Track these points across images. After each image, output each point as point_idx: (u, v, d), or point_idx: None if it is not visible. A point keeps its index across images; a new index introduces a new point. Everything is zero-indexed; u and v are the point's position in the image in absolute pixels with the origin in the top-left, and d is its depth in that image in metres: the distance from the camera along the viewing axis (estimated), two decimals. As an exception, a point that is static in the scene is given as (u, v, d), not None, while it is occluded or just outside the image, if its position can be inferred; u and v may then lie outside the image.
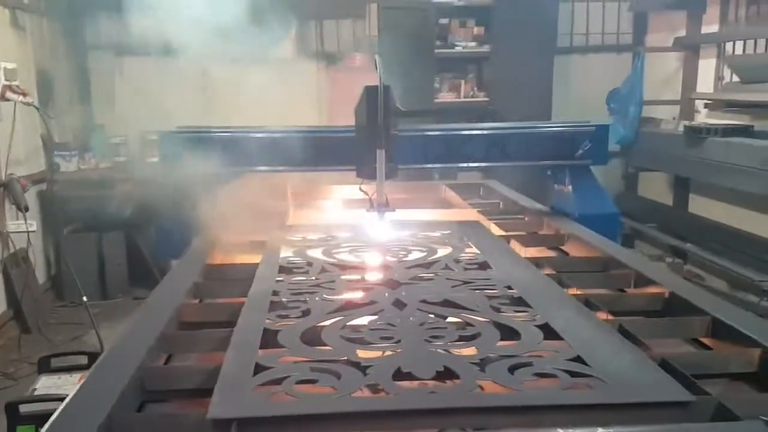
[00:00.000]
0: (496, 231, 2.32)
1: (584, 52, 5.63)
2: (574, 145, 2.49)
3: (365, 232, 2.15)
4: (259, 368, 1.09)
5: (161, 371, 1.17)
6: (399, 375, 1.09)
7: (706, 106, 4.77)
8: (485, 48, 5.08)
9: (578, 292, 1.62)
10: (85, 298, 3.39)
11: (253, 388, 1.02)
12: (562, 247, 2.26)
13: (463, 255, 1.90)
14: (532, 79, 4.96)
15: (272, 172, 2.46)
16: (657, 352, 1.26)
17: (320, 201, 3.13)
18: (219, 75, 4.78)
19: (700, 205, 4.88)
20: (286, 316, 1.35)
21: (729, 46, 4.64)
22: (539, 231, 2.49)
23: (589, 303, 1.53)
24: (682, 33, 5.09)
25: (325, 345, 1.21)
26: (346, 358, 1.13)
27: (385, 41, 4.47)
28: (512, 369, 1.11)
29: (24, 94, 3.71)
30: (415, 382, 1.09)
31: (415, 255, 1.90)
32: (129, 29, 3.86)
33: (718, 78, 4.71)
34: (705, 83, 4.85)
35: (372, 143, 1.98)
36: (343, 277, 1.67)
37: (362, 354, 1.17)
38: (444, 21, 5.10)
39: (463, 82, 5.13)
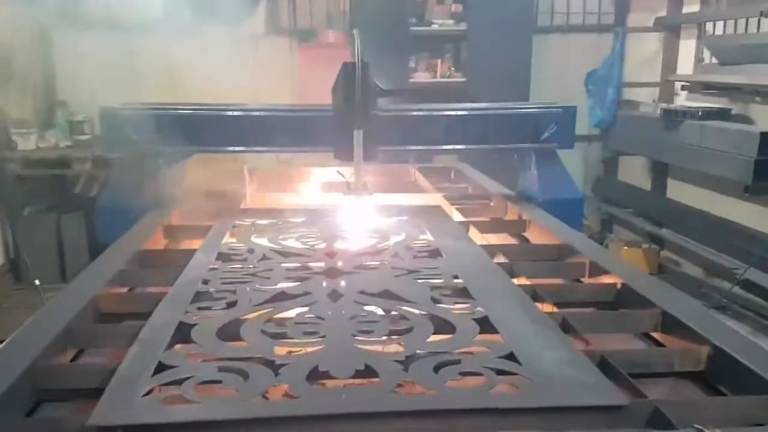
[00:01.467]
0: (458, 217, 2.24)
1: (565, 32, 5.51)
2: (539, 127, 2.41)
3: (320, 217, 2.06)
4: (162, 367, 1.00)
5: (58, 369, 1.08)
6: (317, 374, 1.01)
7: (684, 88, 4.69)
8: (462, 26, 4.95)
9: (527, 282, 1.54)
10: (37, 282, 3.28)
11: (149, 390, 0.94)
12: (524, 234, 2.19)
13: (415, 242, 1.82)
14: (511, 59, 4.85)
15: (227, 154, 2.36)
16: (598, 348, 1.19)
17: (288, 184, 3.04)
18: (187, 51, 4.66)
19: (678, 190, 4.82)
20: (209, 308, 1.26)
21: (710, 26, 4.54)
22: (504, 217, 2.41)
23: (536, 294, 1.46)
24: (664, 13, 4.99)
25: (242, 341, 1.13)
26: (260, 356, 1.05)
27: (357, 18, 4.34)
28: (438, 367, 1.03)
29: (-34, 69, 3.53)
30: (334, 383, 1.02)
31: (366, 242, 1.82)
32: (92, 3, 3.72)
33: (698, 60, 4.63)
34: (685, 65, 4.76)
35: (350, 123, 1.87)
36: (283, 265, 1.58)
37: (281, 351, 1.09)
38: (420, -3, 4.97)
39: (439, 61, 5.01)
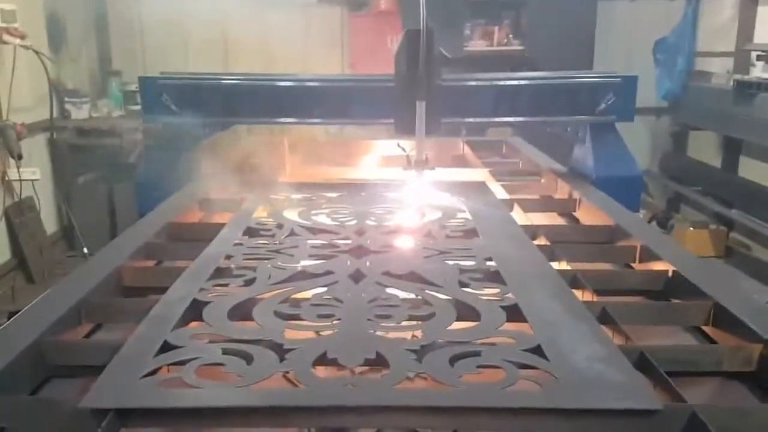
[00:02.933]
0: (502, 194, 2.13)
1: (633, -2, 5.19)
2: (596, 98, 2.25)
3: (357, 192, 2.00)
4: (166, 347, 0.97)
5: (67, 344, 1.06)
6: (325, 361, 0.96)
7: (760, 58, 4.33)
8: (522, -8, 4.73)
9: (568, 268, 1.44)
10: (86, 250, 3.37)
11: (151, 371, 0.90)
12: (574, 213, 2.07)
13: (452, 221, 1.73)
14: (573, 27, 4.60)
15: (272, 125, 2.32)
16: (639, 344, 1.09)
17: (339, 158, 2.98)
18: (239, 20, 4.65)
19: (752, 169, 4.50)
20: (225, 286, 1.23)
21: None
22: (554, 195, 2.29)
23: (576, 280, 1.36)
24: (742, -23, 4.61)
25: (254, 321, 1.08)
26: (268, 338, 1.00)
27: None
28: (455, 359, 0.96)
29: (22, 37, 3.61)
30: (344, 370, 0.96)
31: (399, 219, 1.75)
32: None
33: (779, 27, 4.26)
34: (763, 33, 4.39)
35: (412, 94, 1.80)
36: (309, 241, 1.53)
37: (292, 334, 1.04)
38: (479, -38, 4.76)
39: (497, 28, 4.80)
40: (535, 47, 4.65)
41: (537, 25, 4.67)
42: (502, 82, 2.24)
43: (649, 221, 4.97)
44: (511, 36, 4.86)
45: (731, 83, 4.08)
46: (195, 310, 1.11)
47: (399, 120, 1.93)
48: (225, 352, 0.96)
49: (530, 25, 4.73)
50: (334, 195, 2.01)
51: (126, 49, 4.72)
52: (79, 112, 4.38)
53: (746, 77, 4.04)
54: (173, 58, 4.32)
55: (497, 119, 2.31)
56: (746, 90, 3.83)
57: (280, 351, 0.96)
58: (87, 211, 4.10)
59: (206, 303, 1.13)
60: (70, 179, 4.29)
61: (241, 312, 1.12)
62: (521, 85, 2.25)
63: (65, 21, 4.31)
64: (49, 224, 4.39)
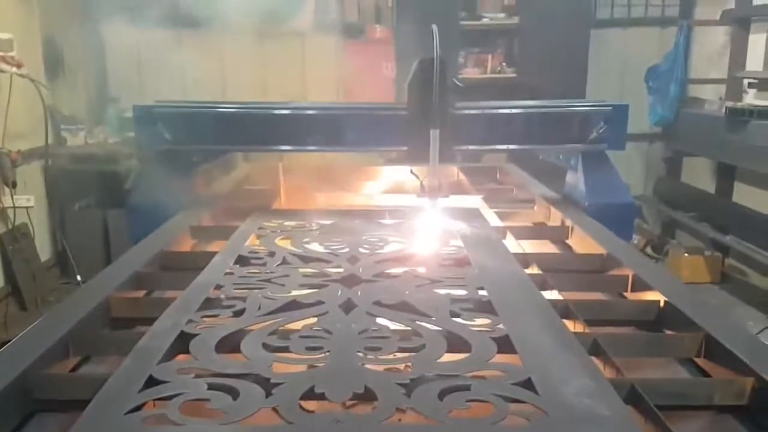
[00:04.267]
0: (495, 221, 2.14)
1: (626, 26, 5.26)
2: (587, 127, 2.27)
3: (351, 219, 2.00)
4: (151, 382, 0.96)
5: (54, 378, 1.05)
6: (312, 396, 0.95)
7: (752, 85, 4.38)
8: (515, 20, 4.79)
9: (560, 297, 1.43)
10: (79, 277, 3.35)
11: (135, 407, 0.89)
12: (567, 241, 2.07)
13: (445, 249, 1.73)
14: (566, 54, 4.66)
15: (262, 152, 2.33)
16: (630, 376, 1.08)
17: (333, 184, 2.99)
18: (235, 48, 4.69)
19: (746, 195, 4.52)
20: (214, 317, 1.22)
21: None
22: (546, 222, 2.29)
23: (568, 310, 1.35)
24: (732, 5, 4.68)
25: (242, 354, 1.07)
26: (255, 372, 0.99)
27: (403, 12, 4.26)
28: (444, 393, 0.95)
29: (19, 66, 3.65)
30: (333, 404, 0.95)
31: (392, 247, 1.75)
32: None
33: (770, 55, 4.32)
34: (755, 61, 4.45)
35: (425, 122, 1.82)
36: (301, 270, 1.52)
37: (280, 367, 1.03)
38: (472, -9, 4.84)
39: (490, 56, 4.86)
40: (528, 75, 4.70)
41: (530, 53, 4.72)
42: (494, 111, 2.26)
43: (644, 247, 4.98)
44: (504, 64, 4.92)
45: (723, 110, 4.12)
46: (182, 343, 1.10)
47: (412, 148, 1.95)
48: (211, 386, 0.94)
49: (523, 53, 4.79)
50: (327, 222, 2.01)
51: (124, 76, 4.75)
52: (75, 139, 4.40)
53: (738, 104, 4.08)
54: (170, 85, 4.35)
55: (489, 147, 2.32)
56: (738, 117, 3.86)
57: (267, 385, 0.95)
58: (82, 237, 4.09)
59: (194, 335, 1.12)
60: (65, 206, 4.29)
61: (230, 344, 1.10)
62: (513, 113, 2.27)
63: (62, 48, 4.35)
64: (44, 251, 4.38)
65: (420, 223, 1.97)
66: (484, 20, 4.81)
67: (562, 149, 2.34)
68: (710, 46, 4.98)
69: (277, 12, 4.46)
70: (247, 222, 1.97)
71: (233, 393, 0.93)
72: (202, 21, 4.62)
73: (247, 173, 2.88)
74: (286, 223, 1.97)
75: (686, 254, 4.60)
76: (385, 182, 2.97)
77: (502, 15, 4.81)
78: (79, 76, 4.54)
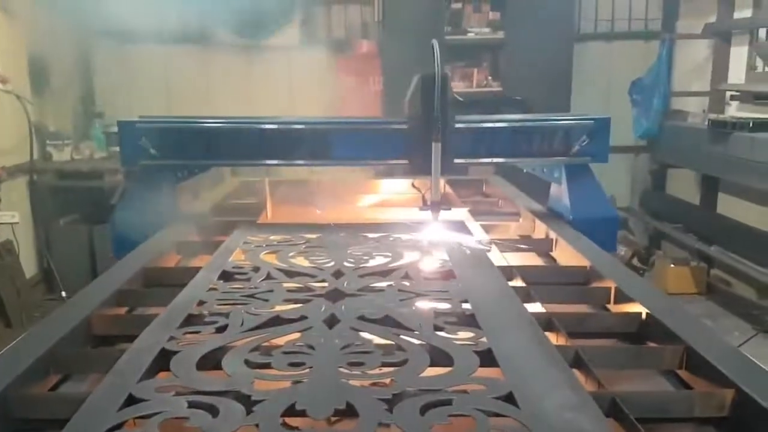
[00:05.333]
0: (480, 234, 2.15)
1: (609, 39, 5.33)
2: (570, 140, 2.29)
3: (337, 233, 2.00)
4: (131, 400, 0.95)
5: (33, 397, 1.04)
6: (294, 412, 0.95)
7: (732, 98, 4.45)
8: (500, 34, 4.84)
9: (543, 310, 1.44)
10: (64, 293, 3.32)
11: (112, 426, 0.88)
12: (552, 254, 2.08)
13: (429, 262, 1.74)
14: (550, 68, 4.71)
15: (243, 167, 2.33)
16: (611, 389, 1.08)
17: (321, 198, 2.99)
18: (224, 63, 4.70)
19: (730, 206, 4.56)
20: (196, 333, 1.21)
21: (763, 32, 4.30)
22: (532, 234, 2.31)
23: (551, 323, 1.36)
24: (714, 19, 4.76)
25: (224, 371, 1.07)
26: (236, 389, 0.98)
27: (390, 27, 4.29)
28: (426, 408, 0.95)
29: (4, 82, 3.64)
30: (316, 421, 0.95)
31: (377, 261, 1.75)
32: (132, 14, 3.78)
33: (751, 68, 4.38)
34: (737, 74, 4.52)
35: (427, 135, 1.87)
36: (285, 285, 1.52)
37: (262, 384, 1.02)
38: (457, 5, 4.88)
39: (475, 70, 4.90)
40: (513, 89, 4.73)
41: (515, 67, 4.77)
42: (476, 125, 2.28)
43: (631, 258, 5.01)
44: (490, 78, 4.96)
45: (706, 122, 4.17)
46: (164, 360, 1.09)
47: (413, 161, 2.01)
48: (191, 404, 0.94)
49: (508, 67, 4.83)
50: (313, 236, 2.01)
51: (110, 91, 4.75)
52: (61, 155, 4.38)
53: (720, 116, 4.13)
54: (157, 101, 4.36)
55: (472, 161, 2.33)
56: (720, 129, 3.92)
57: (248, 403, 0.95)
58: (67, 253, 4.05)
59: (175, 352, 1.11)
60: (51, 222, 4.26)
61: (211, 361, 1.10)
62: (497, 127, 2.28)
63: (48, 63, 4.34)
64: (29, 267, 4.33)
65: (406, 236, 1.97)
66: (470, 35, 4.86)
67: (545, 163, 2.35)
68: (693, 59, 5.05)
69: (263, 27, 4.49)
70: (231, 237, 1.97)
71: (213, 411, 0.92)
72: (190, 37, 4.65)
73: (235, 188, 2.88)
74: (272, 238, 1.97)
75: (672, 265, 4.63)
76: (376, 195, 2.98)
77: (487, 29, 4.86)
78: (66, 92, 4.53)
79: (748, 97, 4.36)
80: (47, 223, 4.28)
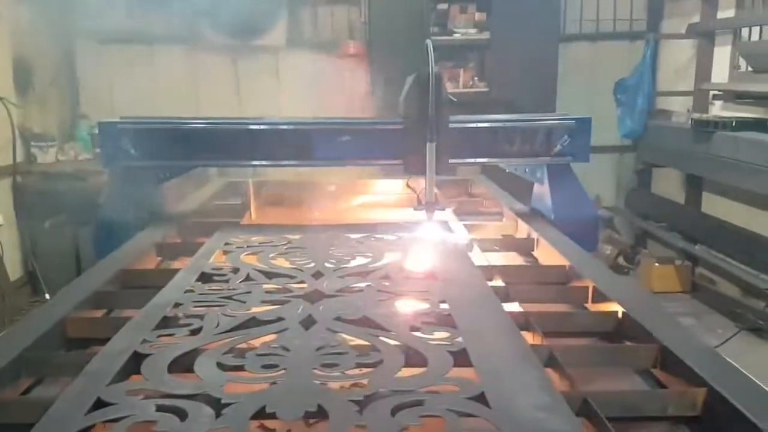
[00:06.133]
0: (463, 234, 2.15)
1: (594, 40, 5.35)
2: (551, 140, 2.29)
3: (319, 234, 2.00)
4: (99, 404, 0.94)
5: (3, 401, 1.02)
6: (264, 415, 0.94)
7: (715, 97, 4.48)
8: (486, 35, 4.85)
9: (520, 309, 1.44)
10: (47, 296, 3.29)
11: (79, 429, 0.87)
12: (534, 253, 2.09)
13: (410, 262, 1.73)
14: (536, 68, 4.72)
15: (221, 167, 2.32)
16: (584, 389, 1.09)
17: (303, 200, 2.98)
18: (211, 63, 4.68)
19: (714, 205, 4.59)
20: (171, 335, 1.20)
21: (746, 32, 4.32)
22: (514, 234, 2.31)
23: (528, 323, 1.36)
24: (698, 19, 4.79)
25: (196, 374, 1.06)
26: (206, 392, 0.98)
27: (376, 28, 4.28)
28: (397, 409, 0.95)
29: (-14, 84, 3.60)
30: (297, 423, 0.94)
31: (358, 261, 1.75)
32: (116, 16, 3.77)
33: (734, 67, 4.41)
34: (720, 73, 4.55)
35: (421, 135, 1.87)
36: (264, 286, 1.51)
37: (233, 387, 1.02)
38: (443, 6, 4.88)
39: (462, 71, 4.91)
40: (499, 89, 4.74)
41: (501, 68, 4.78)
42: (458, 125, 2.27)
43: (616, 257, 5.03)
44: (476, 78, 4.96)
45: (689, 122, 4.19)
46: (136, 363, 1.09)
47: (407, 161, 2.01)
48: (159, 408, 0.93)
49: (494, 67, 4.84)
50: (295, 237, 2.00)
51: (95, 93, 4.71)
52: (46, 156, 4.34)
53: (704, 116, 4.16)
54: (143, 102, 4.33)
55: (455, 161, 2.32)
56: (703, 128, 3.94)
57: (218, 406, 0.94)
58: (53, 255, 4.01)
59: (147, 355, 1.10)
60: (36, 224, 4.21)
61: (184, 364, 1.09)
62: (478, 127, 2.28)
63: (32, 65, 4.31)
64: (14, 270, 4.30)
65: (389, 237, 1.97)
66: (456, 35, 4.86)
67: (527, 162, 2.35)
68: (678, 59, 5.08)
69: (250, 28, 4.47)
70: (213, 238, 1.96)
71: (182, 414, 0.92)
72: (177, 37, 4.62)
73: (221, 188, 2.86)
74: (254, 239, 1.96)
75: (657, 264, 4.66)
76: (369, 196, 2.97)
77: (473, 30, 4.86)
78: (50, 94, 4.49)
79: (732, 97, 4.39)
80: (32, 225, 4.24)
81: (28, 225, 4.20)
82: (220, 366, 1.07)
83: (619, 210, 5.60)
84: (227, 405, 0.94)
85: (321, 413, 0.94)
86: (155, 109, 4.36)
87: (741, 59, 4.34)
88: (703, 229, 4.56)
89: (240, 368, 1.07)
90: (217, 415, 0.92)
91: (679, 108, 4.95)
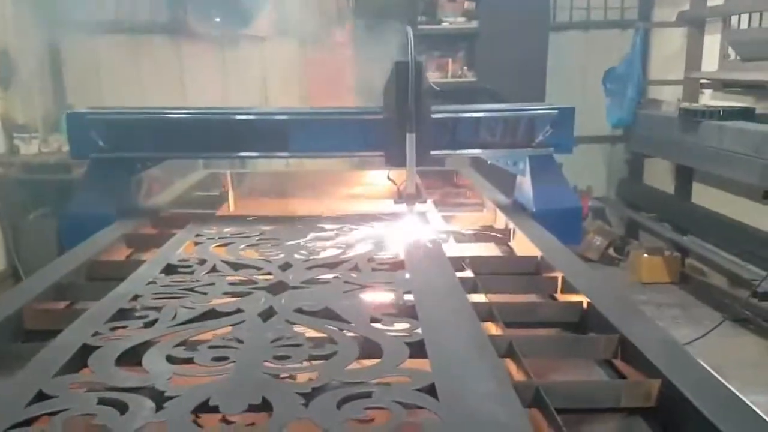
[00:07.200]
0: (441, 225, 2.13)
1: (585, 28, 5.31)
2: (533, 130, 2.26)
3: (293, 225, 1.98)
4: (41, 396, 0.93)
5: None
6: (206, 409, 0.93)
7: (704, 86, 4.45)
8: (475, 24, 4.81)
9: (485, 300, 1.43)
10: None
11: (17, 422, 0.86)
12: (510, 244, 2.07)
13: (381, 253, 1.72)
14: (525, 57, 4.68)
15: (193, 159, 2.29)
16: (546, 378, 1.08)
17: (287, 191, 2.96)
18: (196, 53, 4.65)
19: (704, 195, 4.57)
20: (123, 328, 1.19)
21: (736, 20, 4.29)
22: (494, 225, 2.29)
23: (492, 313, 1.35)
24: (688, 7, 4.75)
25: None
26: (152, 385, 0.96)
27: (362, 16, 4.24)
28: (344, 401, 0.93)
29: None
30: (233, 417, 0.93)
31: (329, 253, 1.73)
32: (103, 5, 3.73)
33: (723, 56, 4.38)
34: (711, 62, 4.52)
35: (402, 126, 1.82)
36: (228, 278, 1.50)
37: (185, 381, 1.00)
38: (431, -6, 4.85)
39: (450, 60, 4.87)
40: (488, 79, 4.71)
41: (490, 57, 4.74)
42: (439, 115, 2.25)
43: (607, 248, 5.02)
44: (465, 68, 4.93)
45: (678, 111, 4.17)
46: (84, 356, 1.07)
47: (388, 152, 1.95)
48: (101, 401, 0.92)
49: (483, 56, 4.80)
50: (268, 228, 1.98)
51: (82, 84, 4.68)
52: (29, 148, 4.31)
53: (692, 105, 4.13)
54: (130, 93, 4.31)
55: (435, 152, 2.30)
56: (691, 118, 3.91)
57: (161, 399, 0.93)
58: (37, 248, 3.98)
59: (96, 348, 1.09)
60: (19, 216, 4.19)
61: (134, 357, 1.08)
62: (458, 117, 2.25)
63: (16, 56, 4.27)
64: (-2, 262, 4.29)
65: (364, 228, 1.96)
66: (444, 24, 4.83)
67: (508, 154, 2.33)
68: (668, 47, 5.04)
69: (236, 16, 4.43)
70: (185, 229, 1.94)
71: (123, 407, 0.90)
72: (163, 27, 4.59)
73: (202, 179, 2.83)
74: (226, 230, 1.95)
75: (646, 255, 4.64)
76: (349, 187, 2.95)
77: (462, 19, 4.82)
78: (35, 85, 4.46)
79: (720, 86, 4.36)
80: (16, 217, 4.21)
81: (11, 217, 4.18)
82: (170, 359, 1.06)
83: (610, 201, 5.58)
84: (170, 398, 0.93)
85: (265, 406, 0.93)
86: (142, 99, 4.35)
87: (730, 48, 4.31)
88: (692, 220, 4.55)
89: (190, 361, 1.06)
90: (159, 408, 0.90)
91: (670, 97, 4.92)
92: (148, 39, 4.53)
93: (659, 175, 5.15)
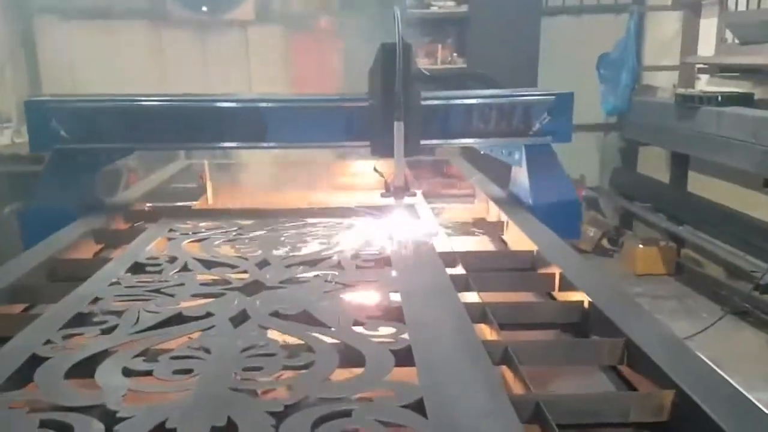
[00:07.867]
0: (430, 218, 2.02)
1: (578, 13, 5.19)
2: (529, 118, 2.14)
3: (274, 219, 1.87)
4: (-26, 420, 0.81)
5: None
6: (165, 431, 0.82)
7: (701, 71, 4.35)
8: (464, 8, 4.68)
9: (478, 300, 1.32)
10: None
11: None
12: (503, 237, 1.96)
13: (366, 249, 1.60)
14: (517, 43, 4.56)
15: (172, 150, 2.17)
16: (545, 387, 0.98)
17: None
18: (177, 39, 4.50)
19: (700, 184, 4.48)
20: (80, 335, 1.07)
21: (733, 2, 4.18)
22: (486, 217, 2.18)
23: (485, 315, 1.24)
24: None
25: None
26: (103, 404, 0.85)
27: (348, 1, 4.11)
28: (320, 421, 0.83)
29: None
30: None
31: (310, 248, 1.62)
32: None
33: (721, 40, 4.27)
34: (707, 46, 4.41)
35: (388, 113, 1.69)
36: (200, 277, 1.38)
37: (136, 398, 0.89)
38: (419, -23, 4.71)
39: (440, 46, 4.74)
40: (478, 65, 4.58)
41: (480, 42, 4.61)
42: (430, 102, 2.12)
43: (601, 239, 4.93)
44: (455, 54, 4.81)
45: (674, 97, 4.07)
46: (33, 368, 0.96)
47: (374, 142, 1.83)
48: (43, 424, 0.80)
49: (473, 42, 4.67)
50: (247, 223, 1.87)
51: (56, 72, 4.51)
52: (1, 138, 4.15)
53: (688, 91, 4.03)
54: (107, 81, 4.14)
55: (426, 142, 2.18)
56: (688, 104, 3.81)
57: (112, 421, 0.82)
58: (11, 243, 3.84)
59: (46, 359, 0.97)
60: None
61: (87, 369, 0.96)
62: (449, 105, 2.13)
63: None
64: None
65: (348, 222, 1.84)
66: (433, 8, 4.69)
67: (503, 143, 2.20)
68: (664, 32, 4.94)
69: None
70: (156, 224, 1.82)
71: (67, 431, 0.79)
72: (140, 12, 4.43)
73: (181, 170, 2.71)
74: (201, 225, 1.83)
75: (641, 246, 4.56)
76: (336, 178, 2.83)
77: (451, 3, 4.69)
78: (7, 73, 4.29)
79: (717, 70, 4.26)
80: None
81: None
82: (126, 372, 0.95)
83: (604, 190, 5.49)
84: (123, 420, 0.81)
85: (231, 428, 0.82)
86: (120, 87, 4.19)
87: (728, 31, 4.20)
88: (688, 210, 4.46)
89: (149, 374, 0.95)
90: (109, 431, 0.79)
91: (665, 83, 4.82)
92: (126, 24, 4.37)
93: (654, 164, 5.05)
